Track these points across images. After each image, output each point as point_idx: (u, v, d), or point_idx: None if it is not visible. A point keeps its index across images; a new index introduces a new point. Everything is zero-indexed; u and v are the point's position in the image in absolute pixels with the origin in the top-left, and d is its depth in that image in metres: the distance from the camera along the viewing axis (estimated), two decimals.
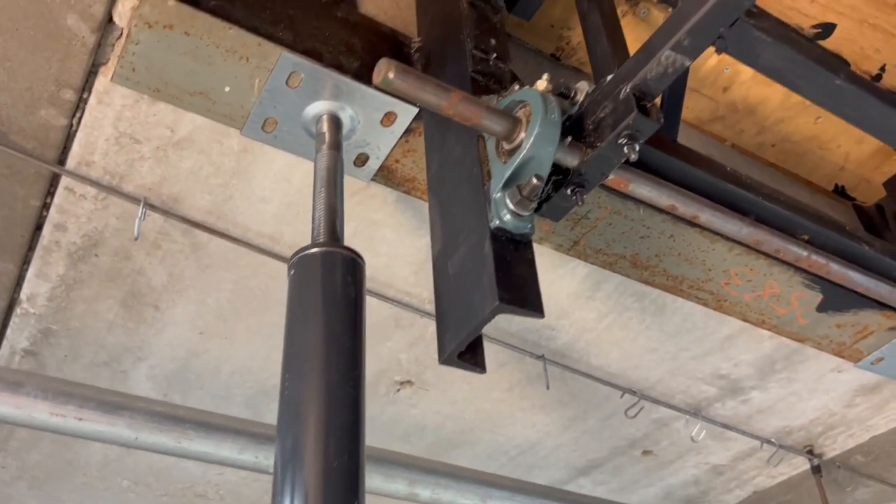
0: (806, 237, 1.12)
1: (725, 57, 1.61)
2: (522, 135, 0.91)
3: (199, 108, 1.14)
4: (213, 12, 1.04)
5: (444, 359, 0.91)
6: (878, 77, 1.68)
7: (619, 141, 0.91)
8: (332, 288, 0.94)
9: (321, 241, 0.99)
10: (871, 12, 1.55)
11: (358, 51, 1.17)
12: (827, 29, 1.59)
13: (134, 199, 1.29)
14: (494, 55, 1.10)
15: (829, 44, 1.61)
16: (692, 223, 1.38)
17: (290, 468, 0.83)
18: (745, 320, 1.65)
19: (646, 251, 1.46)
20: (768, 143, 1.76)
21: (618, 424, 2.05)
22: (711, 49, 0.95)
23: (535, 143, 0.89)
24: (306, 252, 0.96)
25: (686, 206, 1.01)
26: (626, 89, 0.91)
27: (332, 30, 1.16)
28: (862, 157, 1.80)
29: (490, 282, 0.85)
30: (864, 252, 1.16)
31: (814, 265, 1.12)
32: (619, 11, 1.47)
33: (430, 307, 1.65)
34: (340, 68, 1.13)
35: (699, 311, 1.67)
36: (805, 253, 1.10)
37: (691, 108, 1.67)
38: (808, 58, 0.89)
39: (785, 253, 1.09)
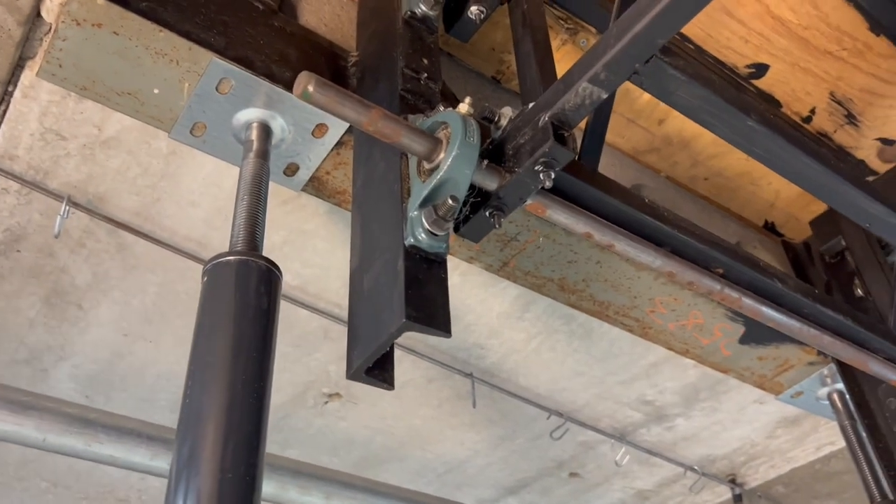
0: (720, 271, 1.14)
1: None
2: (442, 155, 0.92)
3: (127, 109, 1.13)
4: (144, 14, 1.03)
5: (352, 374, 0.91)
6: (809, 119, 1.74)
7: (536, 167, 0.92)
8: (244, 297, 0.94)
9: (238, 248, 0.99)
10: (802, 56, 1.61)
11: (292, 61, 1.18)
12: (760, 69, 1.64)
13: (58, 196, 1.27)
14: (425, 75, 1.11)
15: (762, 84, 1.66)
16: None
17: (185, 475, 0.82)
18: (670, 349, 1.68)
19: (573, 276, 1.48)
20: (701, 176, 1.80)
21: (546, 445, 2.07)
22: None
23: (453, 164, 0.90)
24: (221, 259, 0.96)
25: (602, 234, 1.03)
26: (545, 118, 0.92)
27: (267, 38, 1.17)
28: (791, 195, 1.86)
29: (399, 299, 0.86)
30: (776, 288, 1.19)
31: (727, 298, 1.14)
32: (558, 40, 1.51)
33: None
34: (272, 77, 1.13)
35: (626, 337, 1.70)
36: (718, 286, 1.13)
37: (628, 138, 1.71)
38: (720, 97, 0.92)
39: (698, 285, 1.12)
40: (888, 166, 1.81)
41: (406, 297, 0.85)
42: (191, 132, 1.16)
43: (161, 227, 1.38)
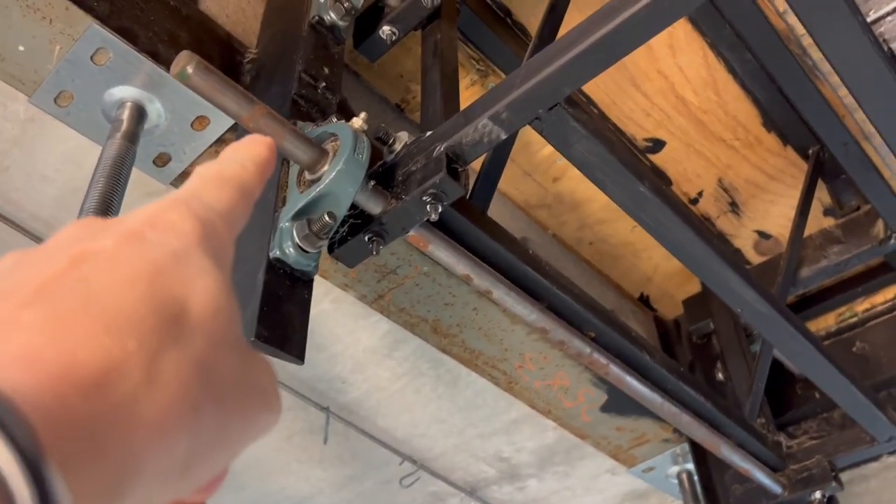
0: (592, 334, 1.12)
1: None
2: (325, 168, 0.85)
3: None
4: None
5: None
6: (695, 201, 1.79)
7: (424, 198, 0.87)
8: None
9: None
10: (697, 138, 1.65)
11: (183, 44, 1.09)
12: (657, 144, 1.67)
13: None
14: (324, 84, 1.05)
15: (657, 159, 1.69)
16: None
17: None
18: (533, 407, 1.65)
19: (448, 319, 1.43)
20: (587, 240, 1.81)
21: (394, 491, 1.99)
22: None
23: (336, 179, 0.83)
24: None
25: (481, 278, 0.99)
26: (441, 149, 0.88)
27: (158, 15, 1.07)
28: (669, 271, 1.89)
29: (252, 315, 0.78)
30: (644, 360, 1.18)
31: (595, 363, 1.12)
32: (468, 80, 1.48)
33: None
34: (156, 57, 1.03)
35: (491, 390, 1.66)
36: (588, 350, 1.11)
37: (522, 190, 1.70)
38: (616, 158, 0.90)
39: (569, 346, 1.09)
40: (762, 258, 1.88)
41: (260, 314, 0.78)
42: (55, 100, 1.05)
43: (6, 199, 1.23)
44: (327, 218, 0.84)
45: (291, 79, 1.02)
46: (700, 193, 1.77)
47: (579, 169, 0.92)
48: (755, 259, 1.90)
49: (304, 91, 1.01)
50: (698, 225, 1.00)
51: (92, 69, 1.02)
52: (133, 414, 0.27)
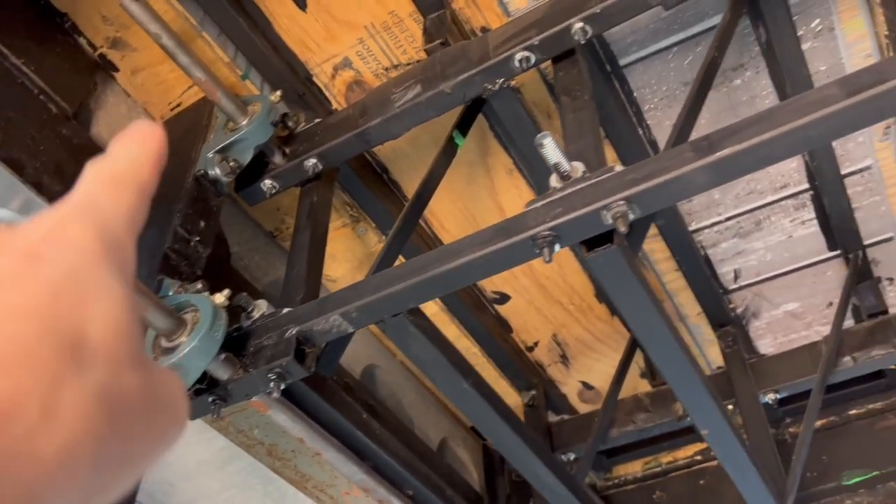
0: (411, 493, 1.23)
1: None
2: (183, 339, 0.93)
3: None
4: None
5: None
6: (532, 348, 1.96)
7: (269, 375, 0.96)
8: None
9: None
10: (539, 298, 1.83)
11: (68, 175, 1.14)
12: (504, 298, 1.84)
13: None
14: (198, 238, 1.13)
15: (502, 309, 1.86)
16: None
17: None
18: None
19: (284, 444, 1.50)
20: None
21: None
22: None
23: (190, 354, 0.91)
24: None
25: (313, 441, 1.09)
26: (293, 332, 0.98)
27: (48, 145, 1.13)
28: None
29: None
30: None
31: None
32: (340, 222, 1.59)
33: None
34: (39, 188, 1.09)
35: None
36: None
37: None
38: (448, 360, 1.03)
39: None
40: (584, 406, 2.08)
41: None
42: None
43: None
44: None
45: (167, 232, 1.09)
46: (536, 343, 1.95)
47: (416, 364, 1.05)
48: (578, 404, 2.09)
49: (178, 245, 1.09)
50: (508, 415, 1.14)
51: None
52: (30, 454, 0.25)
